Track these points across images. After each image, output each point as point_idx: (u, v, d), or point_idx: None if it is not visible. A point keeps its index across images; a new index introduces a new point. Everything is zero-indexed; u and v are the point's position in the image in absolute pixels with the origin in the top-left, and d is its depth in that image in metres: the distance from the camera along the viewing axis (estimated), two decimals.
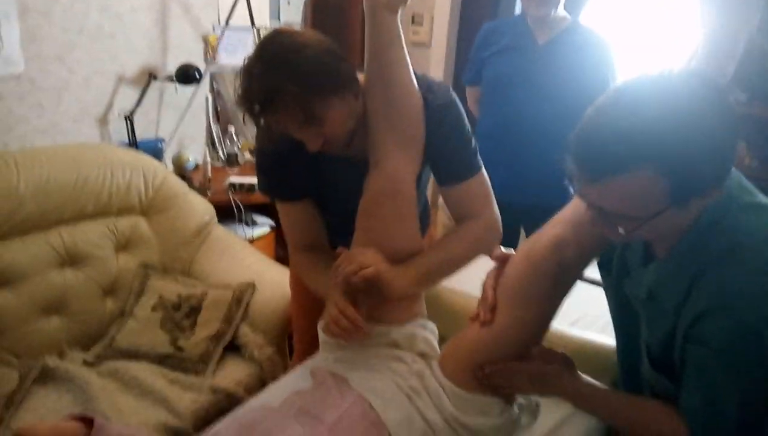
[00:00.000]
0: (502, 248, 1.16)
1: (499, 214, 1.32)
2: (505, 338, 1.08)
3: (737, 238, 0.83)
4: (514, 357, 1.07)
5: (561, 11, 2.06)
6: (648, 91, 0.78)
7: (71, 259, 1.88)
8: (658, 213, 0.80)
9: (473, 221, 1.30)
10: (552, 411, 1.24)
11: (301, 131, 1.13)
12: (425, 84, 1.25)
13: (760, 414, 0.85)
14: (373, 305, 1.22)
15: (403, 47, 1.20)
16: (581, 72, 1.99)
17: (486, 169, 1.37)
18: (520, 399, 1.17)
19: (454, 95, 1.27)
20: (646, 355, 0.96)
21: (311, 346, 1.52)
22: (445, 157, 1.27)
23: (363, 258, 1.15)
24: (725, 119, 0.78)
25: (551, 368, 1.03)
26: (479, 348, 1.11)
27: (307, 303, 1.59)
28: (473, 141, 1.30)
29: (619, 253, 1.02)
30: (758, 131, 3.14)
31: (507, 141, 2.06)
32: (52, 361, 1.71)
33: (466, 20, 3.96)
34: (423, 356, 1.21)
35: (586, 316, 1.53)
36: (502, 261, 1.14)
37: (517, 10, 2.86)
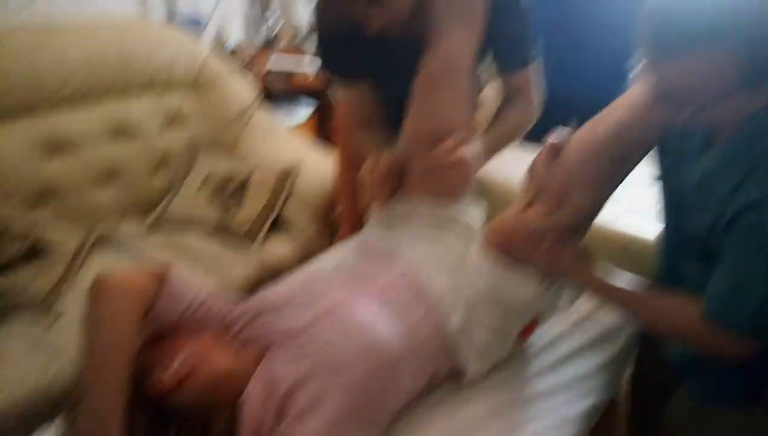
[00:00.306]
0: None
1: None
2: (555, 221, 1.08)
3: None
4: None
5: None
6: None
7: (121, 131, 1.92)
8: (727, 94, 0.78)
9: (525, 105, 1.34)
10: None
11: (365, 11, 1.11)
12: None
13: None
14: (426, 183, 1.24)
15: None
16: None
17: (540, 58, 1.34)
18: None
19: None
20: (689, 247, 0.97)
21: (354, 228, 1.58)
22: (507, 42, 1.28)
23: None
24: None
25: (582, 252, 1.05)
26: (527, 228, 1.12)
27: (350, 187, 1.62)
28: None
29: (678, 139, 1.00)
30: None
31: (562, 30, 1.98)
32: (109, 227, 1.80)
33: None
34: (469, 232, 1.24)
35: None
36: (555, 152, 1.11)
37: None
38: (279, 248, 1.87)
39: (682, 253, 1.02)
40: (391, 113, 1.37)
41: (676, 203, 1.01)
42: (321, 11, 1.28)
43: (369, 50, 1.28)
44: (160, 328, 1.00)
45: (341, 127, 1.65)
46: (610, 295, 1.03)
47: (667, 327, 0.98)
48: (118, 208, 1.90)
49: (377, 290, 1.12)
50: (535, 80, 1.35)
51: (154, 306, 0.98)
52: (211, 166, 1.97)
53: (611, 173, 1.06)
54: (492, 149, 1.31)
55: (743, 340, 0.89)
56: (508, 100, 1.36)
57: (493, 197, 1.58)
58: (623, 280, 1.06)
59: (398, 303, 1.10)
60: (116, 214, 1.89)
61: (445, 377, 1.14)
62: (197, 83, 2.09)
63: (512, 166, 1.78)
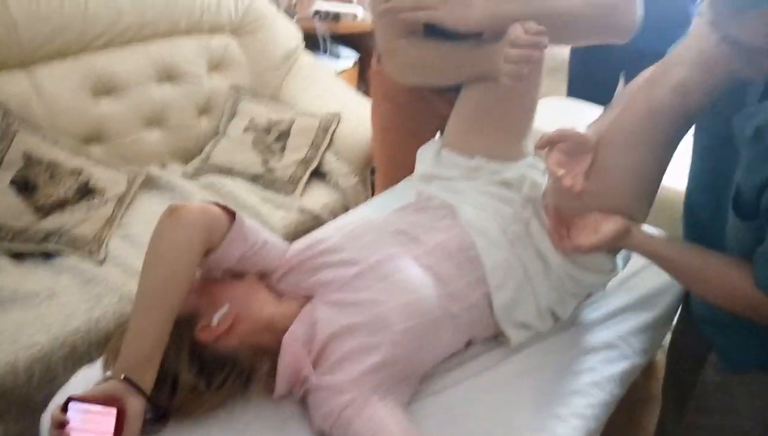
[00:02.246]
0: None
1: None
2: (620, 186, 1.03)
3: None
4: (628, 209, 1.03)
5: None
6: None
7: (168, 74, 1.93)
8: None
9: None
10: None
11: None
12: None
13: None
14: (489, 138, 1.22)
15: None
16: None
17: None
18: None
19: None
20: (734, 201, 0.91)
21: (395, 181, 1.55)
22: None
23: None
24: None
25: (617, 227, 1.00)
26: (591, 198, 1.05)
27: (392, 142, 1.58)
28: None
29: (737, 86, 0.93)
30: None
31: None
32: (155, 170, 1.83)
33: None
34: (536, 194, 1.17)
35: None
36: (558, 139, 1.03)
37: None
38: (320, 196, 1.88)
39: (723, 206, 0.97)
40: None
41: (720, 156, 0.96)
42: None
43: None
44: (220, 267, 1.00)
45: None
46: (658, 257, 1.00)
47: (716, 293, 0.95)
48: (164, 151, 1.93)
49: (428, 248, 1.10)
50: None
51: (220, 244, 0.97)
52: (254, 111, 1.97)
53: (675, 132, 1.00)
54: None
55: None
56: None
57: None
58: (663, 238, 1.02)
59: (446, 267, 1.08)
60: (162, 157, 1.92)
61: (485, 339, 1.14)
62: (242, 26, 2.06)
63: (565, 119, 1.72)
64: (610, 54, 1.88)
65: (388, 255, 1.06)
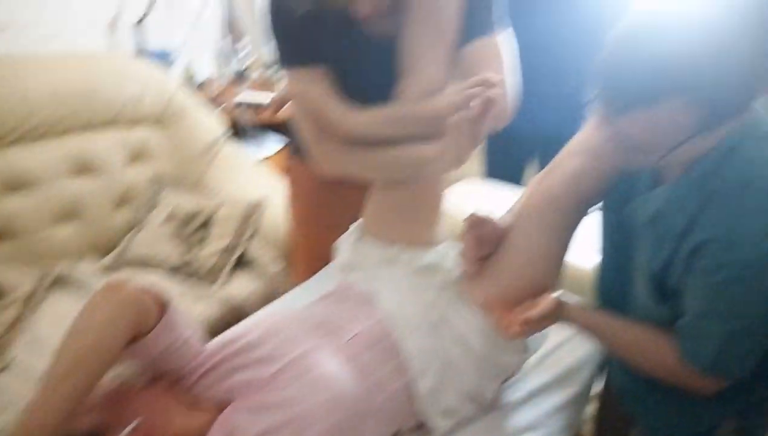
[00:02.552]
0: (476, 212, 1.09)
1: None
2: (529, 266, 1.08)
3: (753, 170, 0.82)
4: (538, 286, 1.07)
5: None
6: (675, 12, 0.74)
7: (83, 167, 1.89)
8: (685, 141, 0.79)
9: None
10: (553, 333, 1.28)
11: None
12: None
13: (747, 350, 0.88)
14: (405, 225, 1.24)
15: None
16: None
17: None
18: None
19: None
20: (646, 280, 0.97)
21: (317, 262, 1.54)
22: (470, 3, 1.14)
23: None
24: (762, 38, 0.73)
25: (554, 301, 1.04)
26: (506, 278, 1.11)
27: (308, 237, 1.58)
28: None
29: (625, 177, 1.00)
30: None
31: (521, 70, 2.00)
32: (67, 267, 1.75)
33: None
34: (452, 282, 1.19)
35: None
36: (476, 225, 1.09)
37: None
38: (243, 286, 1.84)
39: (629, 282, 1.02)
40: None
41: (623, 236, 1.02)
42: None
43: (335, 37, 1.18)
44: (140, 358, 0.97)
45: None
46: (591, 327, 1.03)
47: (646, 362, 0.98)
48: (77, 248, 1.86)
49: (347, 341, 1.09)
50: (507, 52, 1.18)
51: (149, 333, 0.94)
52: (175, 201, 1.95)
53: (573, 218, 1.07)
54: None
55: (713, 378, 0.91)
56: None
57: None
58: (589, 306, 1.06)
59: (367, 357, 1.07)
60: (75, 254, 1.84)
61: (409, 430, 1.12)
62: (164, 118, 2.07)
63: (476, 201, 1.79)
64: (522, 138, 2.00)
65: (307, 350, 1.04)
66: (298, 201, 1.58)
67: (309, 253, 1.59)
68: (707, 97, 0.74)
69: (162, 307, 0.97)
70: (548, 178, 1.08)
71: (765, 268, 0.80)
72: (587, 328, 1.03)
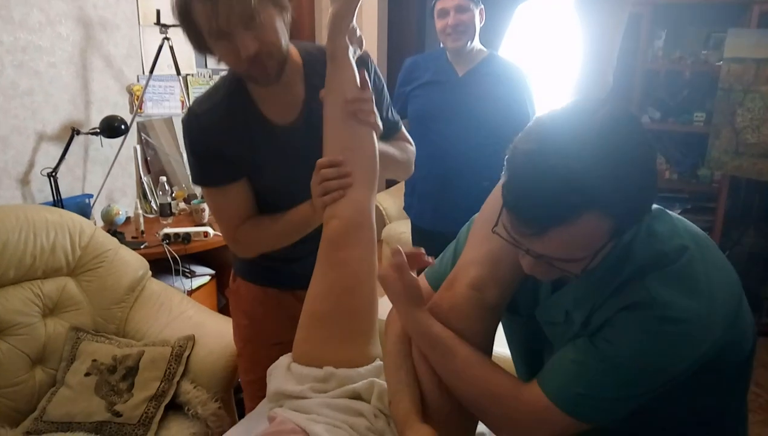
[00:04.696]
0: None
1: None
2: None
3: (654, 245, 0.86)
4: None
5: (478, 45, 2.14)
6: (573, 130, 0.77)
7: None
8: (601, 249, 0.80)
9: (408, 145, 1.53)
10: None
11: (238, 33, 1.12)
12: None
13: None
14: (336, 344, 1.21)
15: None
16: (501, 101, 2.06)
17: (417, 200, 1.37)
18: None
19: None
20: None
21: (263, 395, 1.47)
22: (383, 113, 1.39)
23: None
24: (648, 145, 0.79)
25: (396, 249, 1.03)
26: (431, 400, 1.07)
27: (255, 355, 1.54)
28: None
29: (526, 282, 1.00)
30: (674, 146, 3.33)
31: (435, 172, 2.11)
32: None
33: (393, 56, 4.06)
34: (382, 407, 1.14)
35: None
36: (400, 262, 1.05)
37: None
38: (179, 431, 1.71)
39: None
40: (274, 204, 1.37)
41: (534, 342, 1.02)
42: (194, 119, 1.31)
43: (247, 143, 1.31)
44: None
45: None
46: (432, 330, 0.98)
47: (484, 396, 0.94)
48: None
49: None
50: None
51: None
52: (97, 351, 1.84)
53: (482, 327, 1.02)
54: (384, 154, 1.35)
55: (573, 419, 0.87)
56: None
57: None
58: None
59: None
60: None
61: None
62: (81, 263, 2.00)
63: None
64: (440, 237, 2.05)
65: None
66: (240, 323, 1.57)
67: (256, 375, 1.52)
68: (617, 207, 0.77)
69: None
70: (448, 294, 1.03)
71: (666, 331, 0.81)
72: (430, 336, 0.98)
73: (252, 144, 1.32)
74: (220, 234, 1.49)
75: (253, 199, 1.38)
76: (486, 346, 1.04)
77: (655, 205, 0.90)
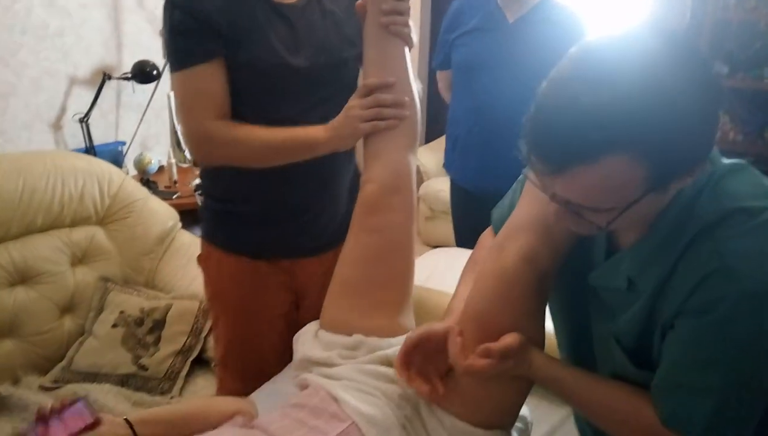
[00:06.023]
0: None
1: None
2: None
3: (725, 202, 0.74)
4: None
5: None
6: (615, 58, 0.67)
7: (22, 276, 1.76)
8: (634, 202, 0.70)
9: None
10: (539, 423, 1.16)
11: None
12: None
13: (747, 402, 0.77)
14: (366, 312, 1.15)
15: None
16: (556, 51, 1.86)
17: (458, 156, 1.23)
18: (518, 423, 1.07)
19: None
20: (620, 350, 0.86)
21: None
22: None
23: None
24: (708, 91, 0.67)
25: (519, 337, 0.89)
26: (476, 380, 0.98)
27: (235, 320, 1.44)
28: None
29: (583, 243, 0.90)
30: (741, 104, 3.07)
31: (480, 127, 1.95)
32: (5, 389, 1.60)
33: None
34: None
35: None
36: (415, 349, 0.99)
37: None
38: (204, 387, 1.69)
39: (586, 354, 0.93)
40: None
41: (582, 308, 0.92)
42: None
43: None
44: None
45: None
46: (551, 375, 0.90)
47: (615, 424, 0.87)
48: (20, 364, 1.70)
49: None
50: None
51: None
52: (125, 302, 1.81)
53: (536, 302, 0.94)
54: None
55: None
56: None
57: (427, 310, 1.48)
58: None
59: None
60: (16, 372, 1.68)
61: None
62: (110, 212, 1.96)
63: (447, 277, 1.68)
64: (483, 197, 1.92)
65: None
66: (220, 289, 1.44)
67: (242, 345, 1.45)
68: (653, 154, 0.65)
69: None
70: (497, 266, 0.93)
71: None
72: (552, 380, 0.90)
73: (251, 16, 1.19)
74: (185, 135, 1.29)
75: (227, 92, 1.21)
76: (539, 321, 0.94)
77: (736, 160, 0.78)
